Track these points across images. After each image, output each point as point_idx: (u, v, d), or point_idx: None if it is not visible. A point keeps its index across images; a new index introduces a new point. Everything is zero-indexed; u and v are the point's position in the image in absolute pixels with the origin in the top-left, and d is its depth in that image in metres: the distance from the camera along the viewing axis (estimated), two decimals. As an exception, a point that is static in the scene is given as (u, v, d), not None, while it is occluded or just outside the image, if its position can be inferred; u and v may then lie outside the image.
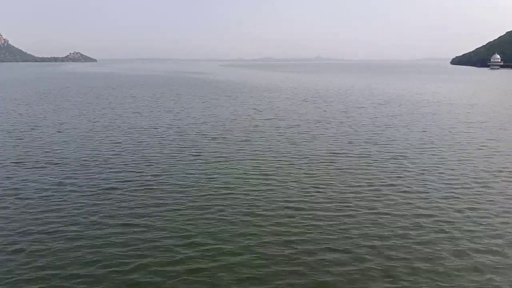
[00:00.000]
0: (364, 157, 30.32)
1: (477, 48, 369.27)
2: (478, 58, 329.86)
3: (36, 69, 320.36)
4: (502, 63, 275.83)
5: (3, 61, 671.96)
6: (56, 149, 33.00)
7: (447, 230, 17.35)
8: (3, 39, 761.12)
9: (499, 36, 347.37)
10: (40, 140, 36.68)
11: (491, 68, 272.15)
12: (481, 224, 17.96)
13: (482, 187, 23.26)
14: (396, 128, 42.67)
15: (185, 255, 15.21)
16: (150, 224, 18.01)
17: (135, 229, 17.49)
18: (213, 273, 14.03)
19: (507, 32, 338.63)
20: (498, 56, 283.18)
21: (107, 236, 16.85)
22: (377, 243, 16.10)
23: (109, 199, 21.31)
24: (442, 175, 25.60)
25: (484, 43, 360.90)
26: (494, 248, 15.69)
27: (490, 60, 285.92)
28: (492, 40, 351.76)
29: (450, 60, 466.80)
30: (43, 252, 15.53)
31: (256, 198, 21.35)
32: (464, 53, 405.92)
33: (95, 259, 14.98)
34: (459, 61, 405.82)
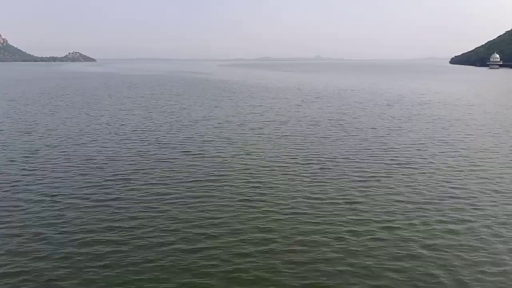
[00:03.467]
0: (380, 161, 30.18)
1: (476, 48, 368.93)
2: (477, 58, 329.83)
3: (34, 68, 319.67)
4: (501, 63, 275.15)
5: (2, 61, 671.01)
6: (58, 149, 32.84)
7: (460, 227, 17.25)
8: (2, 38, 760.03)
9: (498, 35, 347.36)
10: (35, 142, 36.50)
11: (490, 68, 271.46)
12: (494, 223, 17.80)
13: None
14: (403, 128, 42.56)
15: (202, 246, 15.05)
16: (164, 218, 17.82)
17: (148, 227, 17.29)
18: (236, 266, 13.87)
19: (507, 32, 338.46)
20: (498, 56, 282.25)
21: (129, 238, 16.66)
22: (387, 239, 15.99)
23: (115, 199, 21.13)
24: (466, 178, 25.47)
25: (484, 43, 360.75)
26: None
27: (489, 59, 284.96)
28: (491, 39, 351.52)
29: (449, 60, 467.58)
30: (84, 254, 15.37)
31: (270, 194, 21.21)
32: (463, 52, 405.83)
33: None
34: (458, 60, 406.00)
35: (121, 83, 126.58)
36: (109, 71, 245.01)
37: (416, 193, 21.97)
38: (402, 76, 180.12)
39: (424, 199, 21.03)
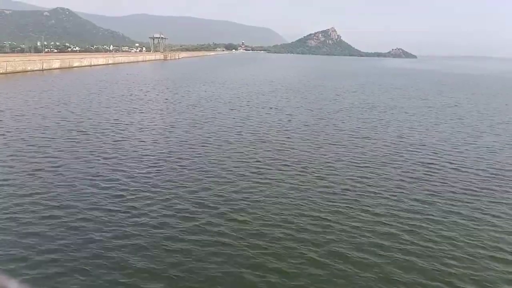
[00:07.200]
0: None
1: None
2: None
3: (357, 63, 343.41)
4: None
5: (334, 55, 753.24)
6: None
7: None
8: (337, 35, 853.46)
9: None
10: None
11: None
12: None
13: None
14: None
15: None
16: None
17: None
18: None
19: None
20: None
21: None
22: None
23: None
24: None
25: None
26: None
27: None
28: None
29: None
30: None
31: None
32: None
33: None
34: None
35: (433, 83, 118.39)
36: (424, 68, 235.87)
37: None
38: None
39: None
